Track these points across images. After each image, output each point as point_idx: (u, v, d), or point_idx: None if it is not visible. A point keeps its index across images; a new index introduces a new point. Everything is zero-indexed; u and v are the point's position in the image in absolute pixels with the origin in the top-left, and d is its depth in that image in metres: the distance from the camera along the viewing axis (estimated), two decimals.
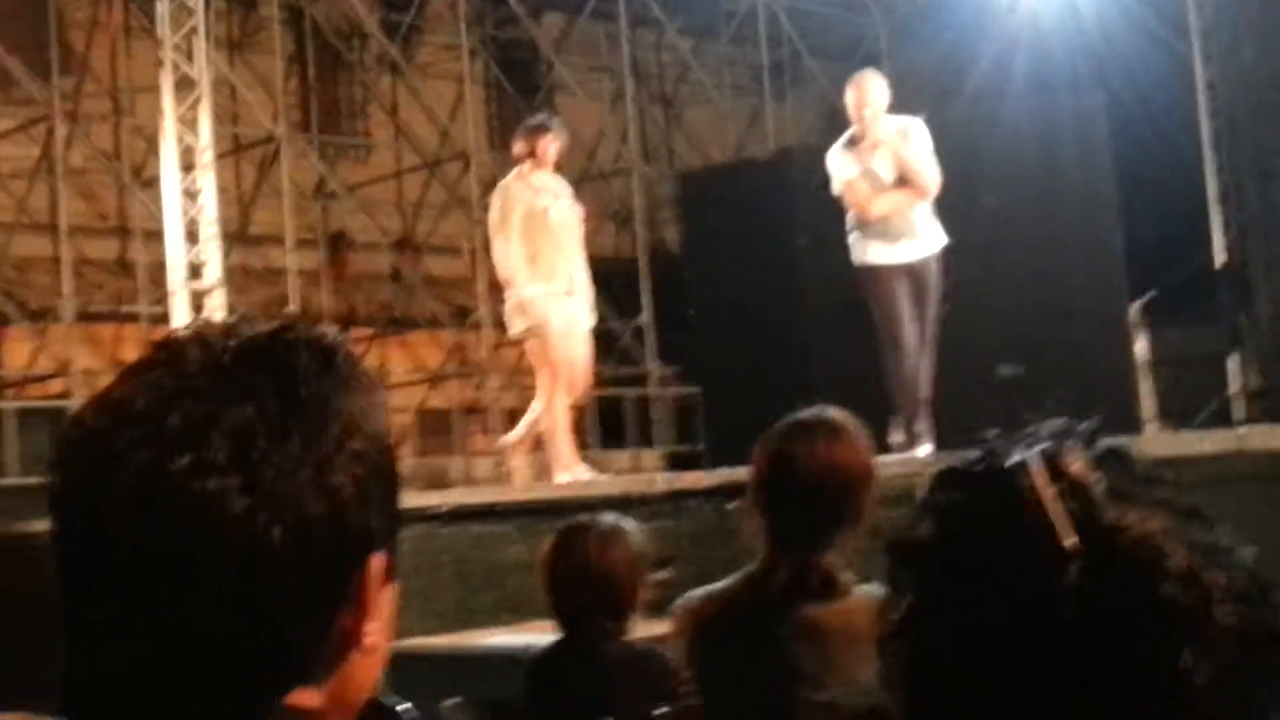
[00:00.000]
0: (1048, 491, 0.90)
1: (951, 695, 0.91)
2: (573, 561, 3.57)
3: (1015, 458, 0.93)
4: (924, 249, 7.65)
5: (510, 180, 8.46)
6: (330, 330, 1.10)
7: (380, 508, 1.06)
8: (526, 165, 8.37)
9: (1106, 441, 0.96)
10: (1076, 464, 0.92)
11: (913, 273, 7.65)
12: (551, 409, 8.35)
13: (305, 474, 1.00)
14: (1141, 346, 10.76)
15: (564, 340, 8.29)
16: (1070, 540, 0.88)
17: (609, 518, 3.67)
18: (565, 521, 3.71)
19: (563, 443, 8.38)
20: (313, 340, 1.06)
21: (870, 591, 2.85)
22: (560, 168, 8.65)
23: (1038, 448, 0.94)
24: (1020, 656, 0.88)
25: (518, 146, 8.47)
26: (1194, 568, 0.89)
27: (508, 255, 8.29)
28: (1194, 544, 0.91)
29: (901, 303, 7.63)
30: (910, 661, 0.94)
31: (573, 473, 8.36)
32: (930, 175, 7.60)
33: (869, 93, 7.72)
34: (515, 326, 8.40)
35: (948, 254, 7.71)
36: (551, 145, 8.40)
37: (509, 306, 8.40)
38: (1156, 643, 0.87)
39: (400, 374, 16.12)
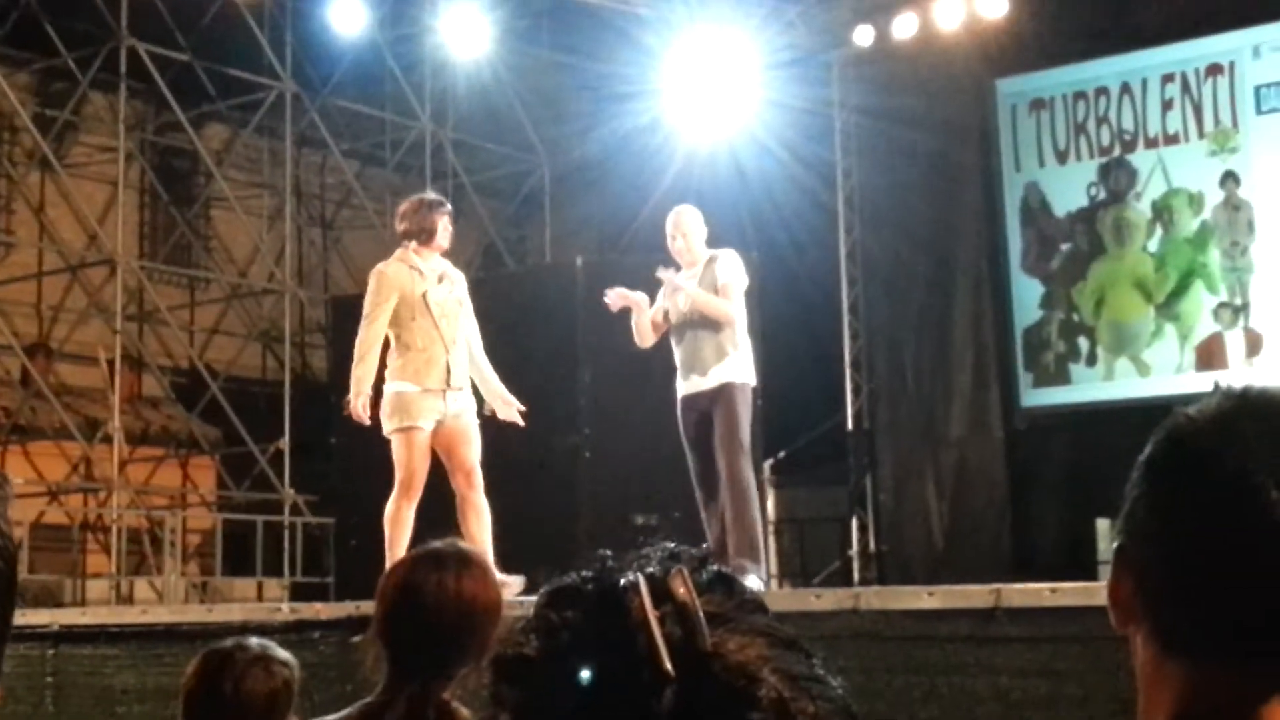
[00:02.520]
0: (650, 614, 0.91)
1: None
2: (211, 688, 3.40)
3: (624, 578, 0.94)
4: (709, 381, 7.68)
5: (389, 262, 7.61)
6: None
7: None
8: (412, 245, 7.52)
9: (715, 567, 0.98)
10: (681, 588, 0.93)
11: (697, 405, 7.71)
12: (393, 515, 7.45)
13: None
14: (769, 505, 11.10)
15: (416, 443, 7.44)
16: (666, 665, 0.89)
17: (256, 644, 3.52)
18: (209, 645, 3.55)
19: (390, 554, 7.27)
20: None
21: None
22: (446, 254, 7.77)
23: (646, 569, 0.95)
24: None
25: (404, 224, 7.58)
26: (784, 698, 0.90)
27: (367, 344, 7.50)
28: (789, 673, 0.92)
29: (686, 437, 7.73)
30: None
31: None
32: (720, 305, 7.67)
33: (680, 224, 7.84)
34: (385, 425, 7.48)
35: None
36: (447, 225, 7.58)
37: (383, 403, 7.49)
38: None
39: (19, 485, 15.33)
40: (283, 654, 3.51)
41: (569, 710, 0.91)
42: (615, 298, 7.87)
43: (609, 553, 0.99)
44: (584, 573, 0.98)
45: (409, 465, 7.41)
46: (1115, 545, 1.38)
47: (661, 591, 0.93)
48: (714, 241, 8.02)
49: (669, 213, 8.04)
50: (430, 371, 7.41)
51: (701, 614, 0.92)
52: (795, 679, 0.92)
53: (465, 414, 7.49)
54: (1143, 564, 1.34)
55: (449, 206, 7.75)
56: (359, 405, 7.39)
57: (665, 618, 0.91)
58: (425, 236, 7.48)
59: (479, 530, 7.41)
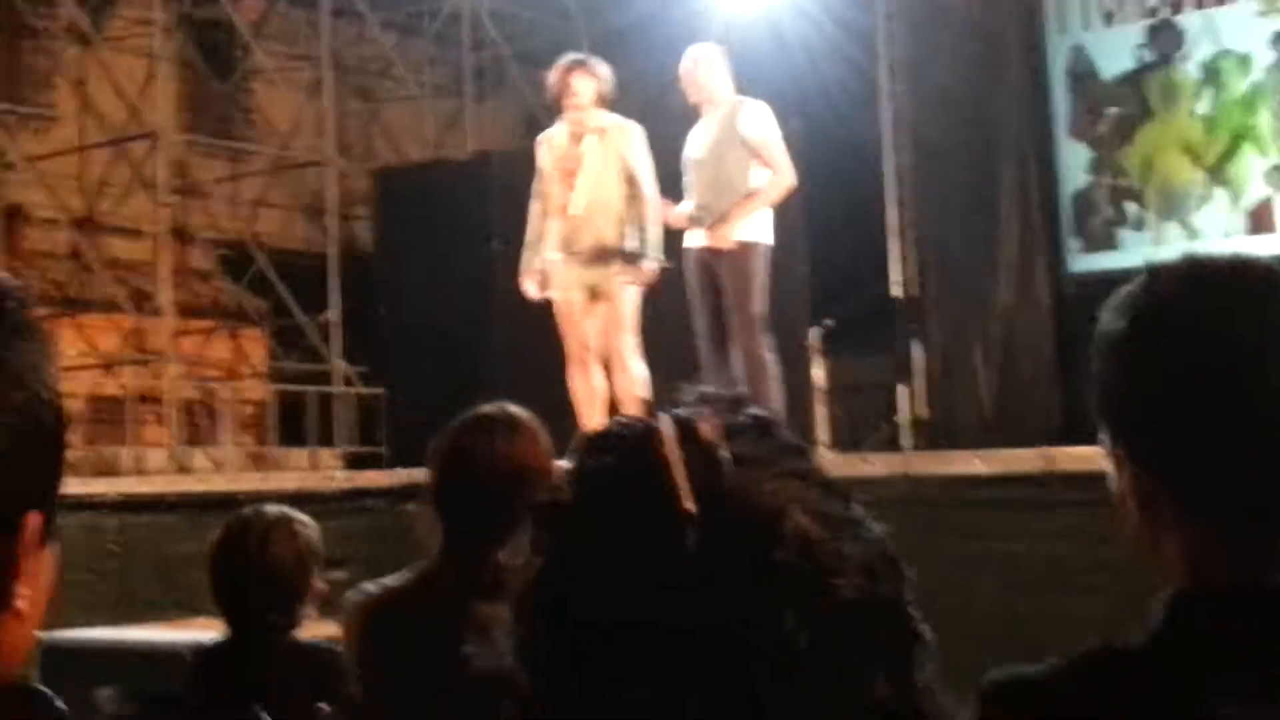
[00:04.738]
0: (674, 455, 0.91)
1: (575, 652, 0.91)
2: (237, 553, 3.49)
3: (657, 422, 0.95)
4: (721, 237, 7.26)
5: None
6: (4, 277, 1.05)
7: (41, 465, 1.01)
8: (564, 112, 7.34)
9: (752, 409, 0.98)
10: (707, 429, 0.93)
11: (705, 259, 7.31)
12: (570, 383, 7.19)
13: None
14: (817, 373, 11.08)
15: (559, 312, 7.29)
16: (688, 504, 0.89)
17: (275, 509, 3.60)
18: (233, 513, 3.64)
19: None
20: None
21: None
22: (607, 104, 7.44)
23: (676, 412, 0.96)
24: (640, 616, 0.89)
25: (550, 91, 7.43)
26: (810, 536, 0.91)
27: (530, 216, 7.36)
28: (825, 515, 0.93)
29: (691, 290, 7.36)
30: (538, 620, 0.94)
31: None
32: (773, 192, 7.39)
33: (697, 63, 7.56)
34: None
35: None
36: (581, 82, 7.29)
37: None
38: (763, 606, 0.88)
39: (72, 357, 15.50)
40: (302, 516, 3.59)
41: (600, 552, 0.92)
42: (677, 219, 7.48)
43: (652, 400, 1.00)
44: (622, 418, 0.99)
45: (561, 330, 7.37)
46: (1110, 437, 1.43)
47: (686, 433, 0.93)
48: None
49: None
50: (548, 239, 7.31)
51: (725, 453, 0.92)
52: (828, 519, 0.92)
53: (575, 286, 7.26)
54: (1156, 448, 1.38)
55: (565, 59, 7.50)
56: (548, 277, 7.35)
57: (691, 458, 0.92)
58: (561, 99, 7.34)
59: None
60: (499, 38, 17.87)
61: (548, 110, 18.99)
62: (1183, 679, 1.31)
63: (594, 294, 7.21)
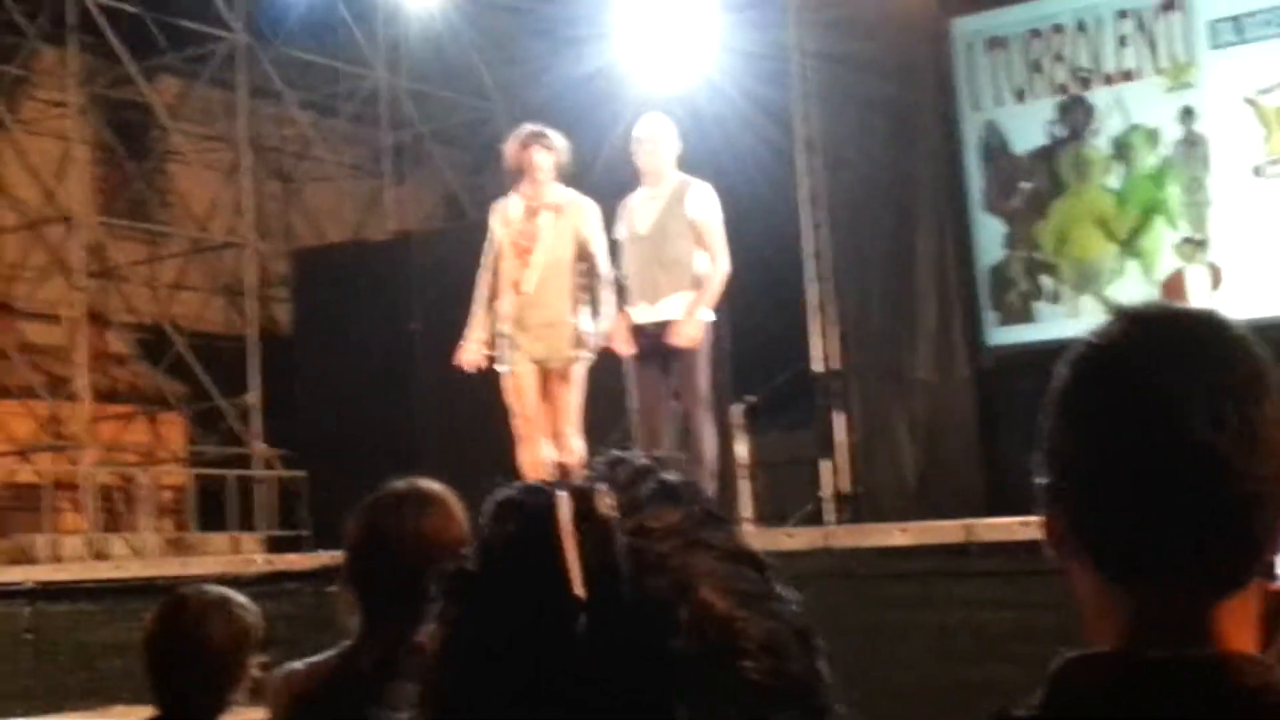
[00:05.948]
0: (567, 533, 0.87)
1: None
2: (170, 632, 3.42)
3: (557, 491, 0.90)
4: (662, 313, 7.35)
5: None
6: None
7: None
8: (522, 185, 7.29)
9: (662, 476, 0.92)
10: (606, 504, 0.89)
11: (648, 335, 7.37)
12: (519, 457, 7.14)
13: None
14: (740, 449, 11.11)
15: (508, 386, 7.25)
16: (577, 587, 0.85)
17: (214, 589, 3.53)
18: (168, 595, 3.57)
19: None
20: None
21: None
22: (565, 180, 7.41)
23: (576, 484, 0.91)
24: (534, 698, 0.85)
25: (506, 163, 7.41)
26: (714, 615, 0.86)
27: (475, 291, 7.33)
28: (734, 590, 0.88)
29: (633, 366, 7.39)
30: (440, 693, 0.91)
31: None
32: (717, 285, 7.44)
33: (653, 133, 7.62)
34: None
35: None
36: (540, 156, 7.25)
37: None
38: (654, 696, 0.84)
39: None
40: (244, 599, 3.51)
41: (498, 627, 0.88)
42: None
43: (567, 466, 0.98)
44: (528, 485, 0.94)
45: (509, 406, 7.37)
46: (1041, 483, 1.39)
47: (586, 507, 0.88)
48: None
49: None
50: (501, 316, 7.25)
51: (623, 531, 0.87)
52: (738, 594, 0.88)
53: (548, 360, 7.25)
54: (1073, 498, 1.35)
55: (523, 131, 7.40)
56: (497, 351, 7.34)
57: (586, 535, 0.87)
58: (521, 173, 7.27)
59: None
60: (417, 117, 17.91)
61: (467, 190, 19.03)
62: None
63: (543, 370, 7.24)
